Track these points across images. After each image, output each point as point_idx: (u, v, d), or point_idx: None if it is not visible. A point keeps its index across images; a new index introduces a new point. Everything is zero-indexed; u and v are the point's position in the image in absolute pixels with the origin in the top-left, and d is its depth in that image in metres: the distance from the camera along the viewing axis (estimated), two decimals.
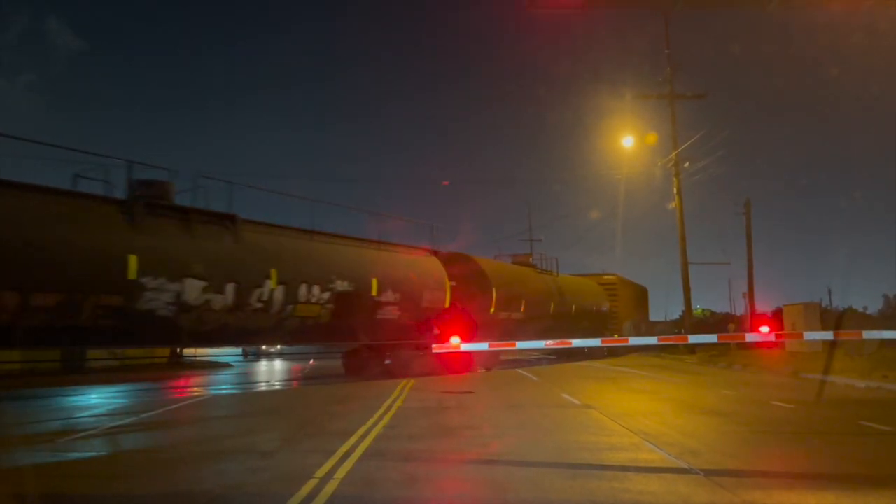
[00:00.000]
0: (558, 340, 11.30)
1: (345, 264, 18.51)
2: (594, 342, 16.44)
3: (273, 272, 15.87)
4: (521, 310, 25.40)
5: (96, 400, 14.33)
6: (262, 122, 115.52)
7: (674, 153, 30.26)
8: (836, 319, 24.72)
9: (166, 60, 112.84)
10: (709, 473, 6.04)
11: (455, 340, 9.15)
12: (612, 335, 32.37)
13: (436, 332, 20.90)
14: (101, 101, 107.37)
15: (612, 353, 32.25)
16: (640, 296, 43.31)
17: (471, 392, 15.32)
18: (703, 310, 58.63)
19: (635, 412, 10.59)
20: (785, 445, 7.99)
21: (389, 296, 19.66)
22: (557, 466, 6.58)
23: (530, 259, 30.32)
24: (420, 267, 22.10)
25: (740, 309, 46.46)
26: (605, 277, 36.61)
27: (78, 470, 6.96)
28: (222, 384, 18.87)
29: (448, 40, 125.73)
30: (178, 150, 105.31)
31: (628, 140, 31.56)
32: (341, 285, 17.83)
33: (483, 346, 12.43)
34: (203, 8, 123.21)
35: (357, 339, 20.07)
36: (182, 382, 19.78)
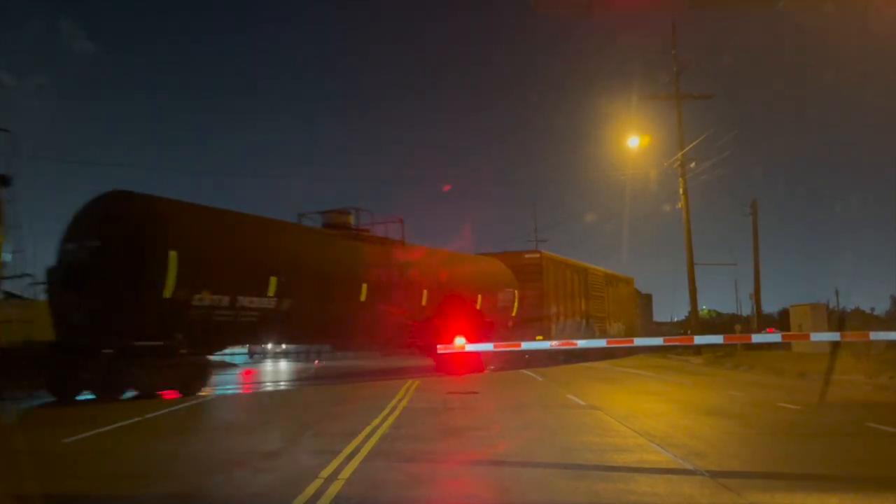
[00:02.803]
0: (563, 341, 11.29)
1: None
2: (599, 342, 16.34)
3: None
4: (271, 294, 15.92)
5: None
6: (267, 121, 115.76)
7: (680, 153, 30.21)
8: (838, 320, 24.54)
9: (170, 59, 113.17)
10: (714, 475, 6.01)
11: (460, 341, 9.10)
12: (522, 339, 22.06)
13: None
14: (107, 101, 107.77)
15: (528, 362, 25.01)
16: (607, 286, 34.22)
17: (476, 392, 15.30)
18: (710, 310, 58.58)
19: (641, 413, 10.57)
20: (791, 447, 7.95)
21: None
22: (563, 467, 6.56)
23: (349, 220, 19.98)
24: None
25: (747, 310, 46.38)
26: (527, 256, 27.06)
27: (82, 470, 6.97)
28: (227, 384, 18.87)
29: (452, 40, 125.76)
30: (183, 148, 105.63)
31: (634, 140, 31.50)
32: None
33: (488, 347, 12.32)
34: (200, 6, 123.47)
35: None
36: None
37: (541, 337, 23.94)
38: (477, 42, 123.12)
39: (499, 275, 25.26)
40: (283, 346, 29.86)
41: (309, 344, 23.84)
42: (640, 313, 45.09)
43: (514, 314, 25.20)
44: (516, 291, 25.34)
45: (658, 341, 12.82)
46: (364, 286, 18.57)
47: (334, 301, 17.79)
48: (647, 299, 50.85)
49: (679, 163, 30.31)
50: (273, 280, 15.91)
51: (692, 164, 29.92)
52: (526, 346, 12.71)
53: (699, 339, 15.43)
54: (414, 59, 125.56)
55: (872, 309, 37.34)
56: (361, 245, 19.68)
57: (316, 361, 29.26)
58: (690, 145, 29.88)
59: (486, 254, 26.71)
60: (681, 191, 30.56)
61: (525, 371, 22.35)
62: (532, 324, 25.30)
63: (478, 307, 23.05)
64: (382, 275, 19.36)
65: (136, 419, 10.80)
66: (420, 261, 21.34)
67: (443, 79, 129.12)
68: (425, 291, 20.88)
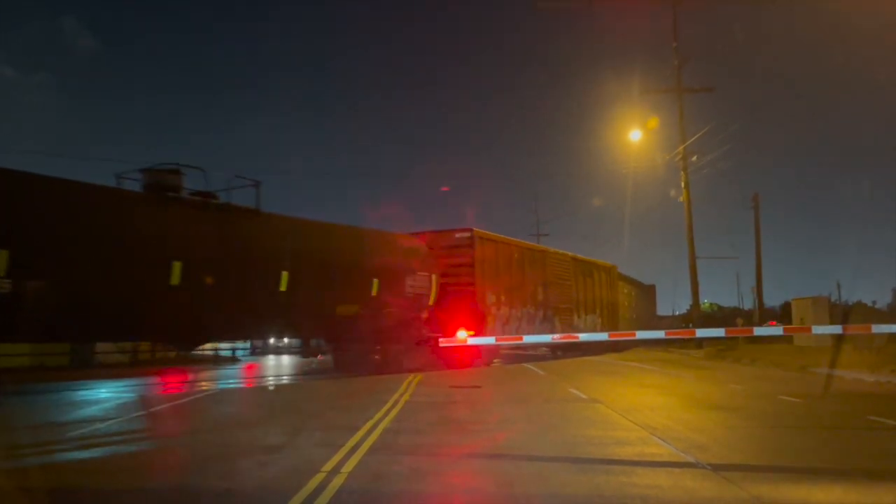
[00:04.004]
0: (565, 335, 11.29)
1: None
2: (601, 336, 16.28)
3: None
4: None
5: (105, 394, 14.40)
6: (270, 115, 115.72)
7: (681, 147, 30.18)
8: (843, 313, 24.48)
9: (171, 54, 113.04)
10: (716, 468, 6.02)
11: (462, 335, 9.12)
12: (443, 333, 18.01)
13: None
14: (111, 99, 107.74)
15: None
16: (577, 274, 30.19)
17: (478, 386, 15.33)
18: (711, 304, 58.58)
19: (642, 406, 10.58)
20: (793, 440, 7.96)
21: None
22: (564, 461, 6.57)
23: (178, 181, 15.14)
24: None
25: (748, 303, 46.40)
26: (456, 236, 22.51)
27: (86, 465, 6.99)
28: (229, 378, 18.92)
29: (453, 33, 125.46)
30: (187, 143, 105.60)
31: (635, 134, 31.45)
32: None
33: (490, 340, 12.38)
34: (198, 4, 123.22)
35: None
36: (190, 377, 19.84)
37: (472, 333, 20.91)
38: (475, 35, 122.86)
39: (407, 255, 20.39)
40: (286, 340, 29.28)
41: (95, 340, 18.74)
42: (636, 305, 43.69)
43: (431, 303, 20.82)
44: (434, 276, 20.94)
45: (660, 334, 12.87)
46: (177, 265, 13.93)
47: (123, 284, 13.27)
48: (648, 291, 49.75)
49: (680, 156, 30.28)
50: (2, 254, 11.68)
51: (694, 158, 29.92)
52: (528, 339, 12.77)
53: (701, 332, 15.50)
54: (413, 52, 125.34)
55: (874, 302, 37.37)
56: (180, 211, 14.76)
57: (319, 356, 29.15)
58: (692, 139, 29.87)
59: (401, 232, 21.79)
60: (682, 184, 30.54)
61: (527, 365, 22.39)
62: (462, 315, 21.10)
63: (373, 293, 18.62)
64: (215, 251, 14.81)
65: (141, 413, 10.83)
66: (280, 234, 16.60)
67: (443, 72, 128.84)
68: (285, 273, 15.97)
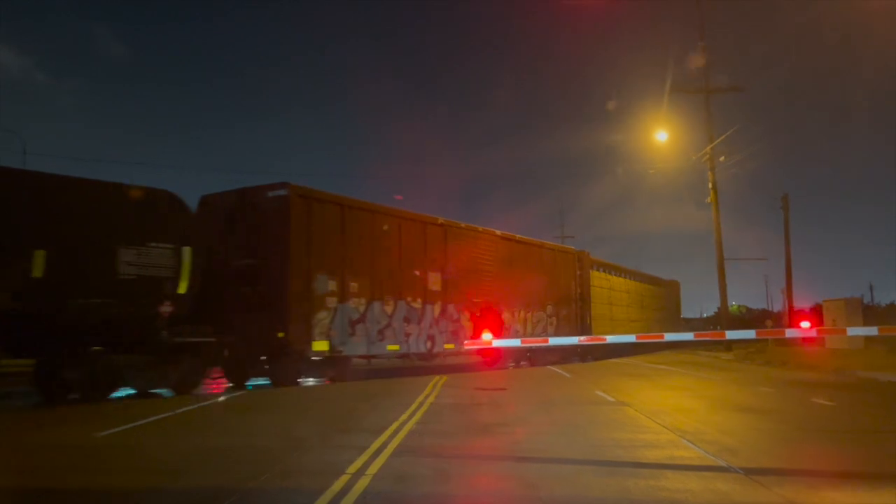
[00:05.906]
0: (590, 337, 11.17)
1: None
2: (629, 338, 16.00)
3: None
4: None
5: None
6: (283, 111, 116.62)
7: (709, 147, 29.83)
8: None
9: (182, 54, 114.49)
10: (748, 472, 5.90)
11: (487, 336, 9.05)
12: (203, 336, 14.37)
13: None
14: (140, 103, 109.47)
15: None
16: (512, 260, 23.06)
17: (503, 389, 15.24)
18: (739, 306, 57.78)
19: (671, 409, 10.43)
20: (826, 444, 7.78)
21: None
22: (592, 464, 6.48)
23: None
24: None
25: (777, 305, 45.66)
26: (270, 195, 16.03)
27: (111, 465, 7.05)
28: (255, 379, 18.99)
29: (475, 30, 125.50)
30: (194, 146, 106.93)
31: (662, 135, 31.16)
32: None
33: (516, 342, 12.29)
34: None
35: None
36: (215, 377, 19.96)
37: (282, 334, 15.37)
38: (493, 32, 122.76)
39: (125, 215, 13.18)
40: None
41: None
42: (652, 304, 40.31)
43: (182, 291, 13.72)
44: (187, 249, 13.78)
45: (688, 336, 12.57)
46: None
47: None
48: (671, 288, 46.92)
49: (708, 157, 29.93)
50: None
51: (721, 158, 29.57)
52: (553, 341, 12.63)
53: (731, 334, 15.27)
54: (433, 48, 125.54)
55: None
56: None
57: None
58: (719, 139, 29.52)
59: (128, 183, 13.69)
60: (710, 185, 30.19)
61: (552, 368, 22.24)
62: (262, 308, 15.45)
63: (35, 274, 11.67)
64: None
65: (167, 414, 10.92)
66: None
67: (460, 70, 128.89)
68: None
